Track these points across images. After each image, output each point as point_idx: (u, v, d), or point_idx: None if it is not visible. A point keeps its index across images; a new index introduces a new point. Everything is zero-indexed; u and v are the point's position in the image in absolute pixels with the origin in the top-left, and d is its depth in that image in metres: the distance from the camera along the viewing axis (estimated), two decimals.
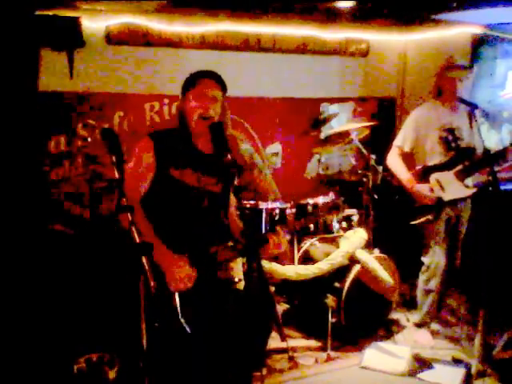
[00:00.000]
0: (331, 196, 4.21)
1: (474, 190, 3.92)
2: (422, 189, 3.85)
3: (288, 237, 3.98)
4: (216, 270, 2.58)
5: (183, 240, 2.52)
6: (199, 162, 2.59)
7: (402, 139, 3.99)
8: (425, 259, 4.05)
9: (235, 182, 2.71)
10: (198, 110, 2.55)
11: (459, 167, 3.86)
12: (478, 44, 5.29)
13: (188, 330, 2.14)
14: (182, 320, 2.11)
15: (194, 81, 2.61)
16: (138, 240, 2.17)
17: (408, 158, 4.01)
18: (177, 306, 2.19)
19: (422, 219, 3.87)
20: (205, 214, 2.61)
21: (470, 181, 3.90)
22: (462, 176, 3.86)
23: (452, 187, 3.87)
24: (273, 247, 2.57)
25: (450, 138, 3.85)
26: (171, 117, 4.53)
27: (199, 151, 2.62)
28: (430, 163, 3.91)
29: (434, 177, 3.88)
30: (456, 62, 3.91)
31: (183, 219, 2.56)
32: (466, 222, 4.04)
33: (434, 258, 3.98)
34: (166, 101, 4.56)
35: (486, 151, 3.73)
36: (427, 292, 4.05)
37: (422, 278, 4.09)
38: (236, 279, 2.65)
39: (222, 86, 2.64)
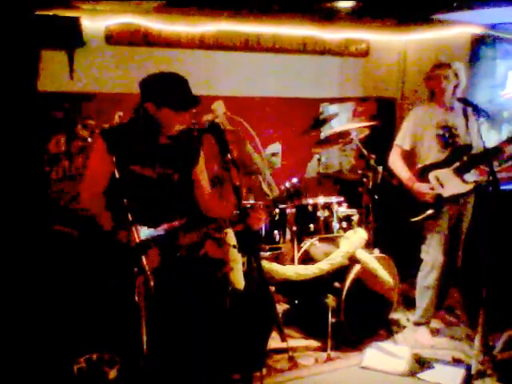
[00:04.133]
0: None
1: (473, 185, 3.98)
2: (422, 186, 3.90)
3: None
4: (178, 249, 2.63)
5: (145, 223, 2.57)
6: (158, 155, 2.65)
7: (402, 138, 4.07)
8: (424, 256, 4.08)
9: (195, 170, 2.79)
10: (179, 125, 2.60)
11: (457, 164, 3.92)
12: (478, 44, 5.29)
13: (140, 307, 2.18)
14: (136, 298, 2.14)
15: (180, 105, 2.58)
16: (138, 240, 2.18)
17: (409, 158, 4.05)
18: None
19: (423, 216, 3.91)
20: (166, 200, 2.68)
21: (468, 177, 3.95)
22: (460, 172, 3.92)
23: (451, 183, 3.93)
24: (255, 222, 2.63)
25: (447, 135, 3.95)
26: None
27: (159, 143, 2.67)
28: (429, 161, 3.97)
29: (432, 174, 3.94)
30: (439, 61, 3.98)
31: (145, 205, 2.61)
32: (468, 221, 4.08)
33: (433, 255, 4.01)
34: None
35: (486, 151, 3.75)
36: (425, 288, 4.07)
37: (420, 274, 4.12)
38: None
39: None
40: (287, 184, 3.06)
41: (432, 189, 3.90)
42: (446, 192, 3.92)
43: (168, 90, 2.58)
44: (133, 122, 2.69)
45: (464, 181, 3.94)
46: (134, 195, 2.54)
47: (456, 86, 3.94)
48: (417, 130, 4.00)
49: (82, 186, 2.70)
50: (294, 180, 3.11)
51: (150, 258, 2.45)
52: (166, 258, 2.55)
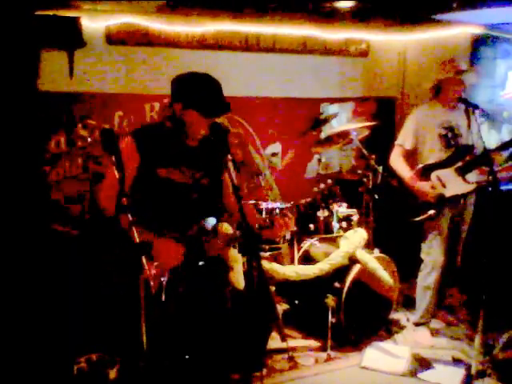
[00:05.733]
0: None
1: (475, 185, 3.97)
2: (425, 186, 3.89)
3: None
4: (204, 247, 2.60)
5: (171, 228, 2.53)
6: (187, 158, 2.61)
7: (403, 138, 4.06)
8: (424, 256, 4.08)
9: (227, 175, 2.70)
10: (203, 130, 2.56)
11: (459, 164, 3.91)
12: (478, 44, 5.29)
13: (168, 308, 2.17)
14: (163, 298, 2.13)
15: (208, 110, 2.53)
16: (137, 240, 2.18)
17: (410, 158, 4.04)
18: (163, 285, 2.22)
19: (425, 216, 3.90)
20: (194, 205, 2.63)
21: (470, 177, 3.95)
22: (462, 172, 3.92)
23: (453, 184, 3.92)
24: (280, 228, 2.60)
25: (450, 135, 3.94)
26: None
27: (187, 146, 2.63)
28: (431, 161, 3.96)
29: (434, 174, 3.93)
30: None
31: (172, 211, 2.57)
32: (469, 221, 4.08)
33: (434, 255, 4.01)
34: (166, 101, 4.56)
35: (486, 151, 3.75)
36: (425, 289, 4.08)
37: (420, 274, 4.12)
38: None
39: None
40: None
41: (434, 188, 3.90)
42: (449, 192, 3.91)
43: (198, 91, 2.52)
44: (162, 122, 2.66)
45: (466, 181, 3.93)
46: (161, 200, 2.53)
47: None
48: (419, 130, 3.99)
49: (104, 185, 2.62)
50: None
51: (173, 255, 2.44)
52: (191, 261, 2.53)
